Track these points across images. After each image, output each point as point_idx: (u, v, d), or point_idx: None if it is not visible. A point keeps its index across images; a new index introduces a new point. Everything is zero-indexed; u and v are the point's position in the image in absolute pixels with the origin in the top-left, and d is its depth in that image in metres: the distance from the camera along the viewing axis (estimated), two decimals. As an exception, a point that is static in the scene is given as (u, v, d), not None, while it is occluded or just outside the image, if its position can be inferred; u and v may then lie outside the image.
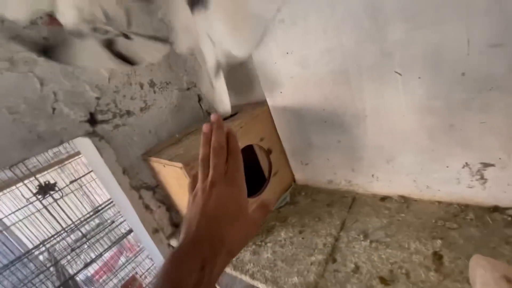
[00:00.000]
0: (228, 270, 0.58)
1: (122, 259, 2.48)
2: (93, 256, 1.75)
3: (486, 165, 0.45)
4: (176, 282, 0.26)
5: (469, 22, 0.37)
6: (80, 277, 1.88)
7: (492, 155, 0.44)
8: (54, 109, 0.56)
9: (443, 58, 0.41)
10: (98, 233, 1.96)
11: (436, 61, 0.42)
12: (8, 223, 1.70)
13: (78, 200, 2.03)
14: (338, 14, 0.47)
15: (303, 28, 0.52)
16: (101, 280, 2.18)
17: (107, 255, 2.46)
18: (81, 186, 2.03)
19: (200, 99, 0.89)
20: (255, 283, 0.52)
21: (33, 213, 1.64)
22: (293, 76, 0.59)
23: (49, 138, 0.55)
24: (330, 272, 0.47)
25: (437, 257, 0.43)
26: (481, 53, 0.38)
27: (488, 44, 0.37)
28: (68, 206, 1.80)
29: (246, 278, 0.54)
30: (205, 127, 0.35)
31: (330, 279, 0.46)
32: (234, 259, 0.60)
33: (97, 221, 2.16)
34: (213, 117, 0.35)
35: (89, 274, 2.16)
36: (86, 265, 1.61)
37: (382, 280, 0.43)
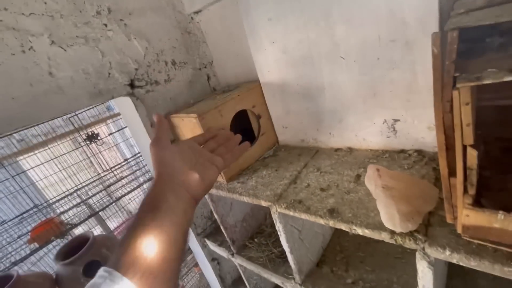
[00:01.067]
0: (223, 193, 0.82)
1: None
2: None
3: (395, 120, 0.69)
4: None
5: (378, 25, 0.60)
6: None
7: (398, 113, 0.67)
8: (109, 73, 0.80)
9: (366, 48, 0.65)
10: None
11: (363, 49, 0.65)
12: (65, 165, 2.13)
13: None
14: (305, 16, 0.70)
15: (284, 25, 0.76)
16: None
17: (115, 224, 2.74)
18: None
19: (208, 78, 1.13)
20: (242, 198, 0.77)
21: (84, 159, 2.01)
22: (277, 59, 0.83)
23: (105, 93, 0.80)
24: (291, 188, 0.72)
25: (357, 176, 0.67)
26: (386, 45, 0.61)
27: (389, 40, 0.60)
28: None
29: (236, 196, 0.78)
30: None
31: (290, 191, 0.70)
32: (227, 185, 0.84)
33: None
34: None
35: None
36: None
37: (322, 189, 0.67)
